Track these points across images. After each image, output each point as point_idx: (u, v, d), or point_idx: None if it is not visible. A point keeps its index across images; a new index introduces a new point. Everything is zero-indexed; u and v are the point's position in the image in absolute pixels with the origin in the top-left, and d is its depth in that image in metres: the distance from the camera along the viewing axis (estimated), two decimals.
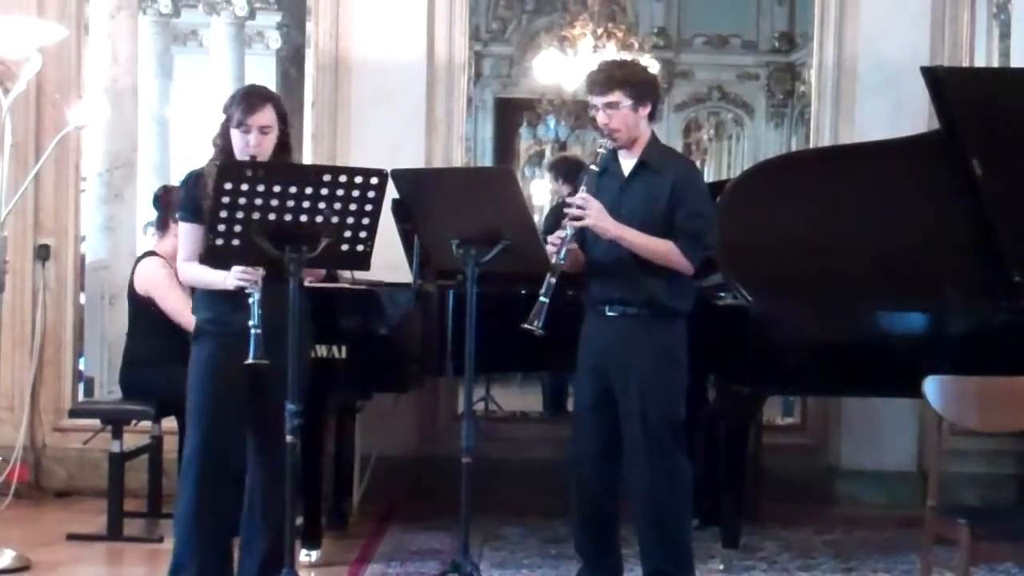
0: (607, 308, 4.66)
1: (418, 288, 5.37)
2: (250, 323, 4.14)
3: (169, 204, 5.84)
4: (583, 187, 4.58)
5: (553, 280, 4.47)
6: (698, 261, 4.61)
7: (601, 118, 4.63)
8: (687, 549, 4.75)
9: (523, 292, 5.22)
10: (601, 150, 4.64)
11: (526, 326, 4.43)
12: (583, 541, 4.86)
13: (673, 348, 4.65)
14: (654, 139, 4.73)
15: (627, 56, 11.63)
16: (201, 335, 4.43)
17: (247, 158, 4.29)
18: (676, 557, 4.70)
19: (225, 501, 4.42)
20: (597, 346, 4.71)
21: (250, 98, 4.38)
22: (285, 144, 4.43)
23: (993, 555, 4.50)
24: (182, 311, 5.53)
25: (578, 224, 4.51)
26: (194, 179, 4.42)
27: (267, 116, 4.34)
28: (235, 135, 4.34)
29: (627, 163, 4.68)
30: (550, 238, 4.56)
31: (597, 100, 4.64)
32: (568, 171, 8.32)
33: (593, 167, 4.62)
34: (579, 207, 4.51)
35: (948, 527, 4.24)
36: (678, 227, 4.55)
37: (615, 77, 4.63)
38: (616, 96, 4.59)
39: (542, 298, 4.46)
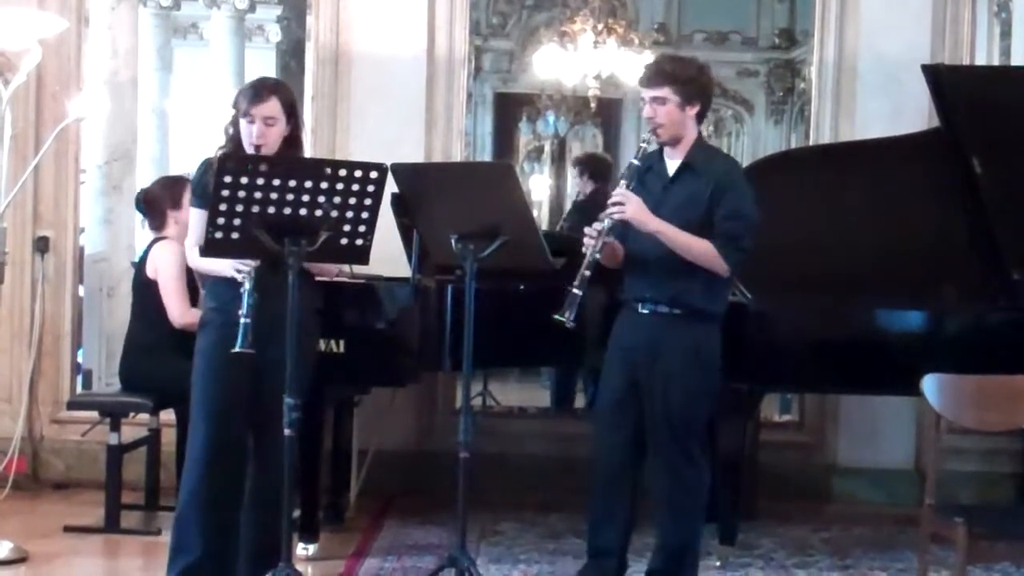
0: (640, 305, 4.65)
1: (417, 283, 5.37)
2: (240, 312, 4.14)
3: (154, 201, 5.87)
4: (623, 180, 4.57)
5: (588, 273, 4.45)
6: (736, 264, 4.57)
7: (647, 111, 4.61)
8: (694, 552, 4.76)
9: (522, 287, 5.23)
10: (644, 144, 4.63)
11: (558, 317, 4.40)
12: (599, 536, 4.83)
13: (703, 350, 4.62)
14: (700, 140, 4.71)
15: (626, 52, 11.66)
16: (206, 324, 4.47)
17: (252, 148, 4.32)
18: (682, 557, 4.72)
19: (230, 490, 4.43)
20: (627, 342, 4.70)
21: (256, 89, 4.42)
22: (295, 138, 4.46)
23: (990, 554, 4.50)
24: (177, 299, 5.55)
25: (616, 217, 4.50)
26: (204, 167, 4.45)
27: (271, 107, 4.35)
28: (243, 125, 4.38)
29: (672, 163, 4.66)
30: (587, 230, 4.52)
31: (645, 93, 4.62)
32: (594, 169, 8.36)
33: (635, 161, 4.61)
34: (618, 202, 4.50)
35: (945, 525, 4.24)
36: (716, 228, 4.52)
37: (664, 72, 4.60)
38: (664, 91, 4.57)
39: (575, 290, 4.43)
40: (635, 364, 4.66)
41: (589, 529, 4.90)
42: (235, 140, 4.42)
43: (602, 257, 4.52)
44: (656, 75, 4.61)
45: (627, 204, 4.49)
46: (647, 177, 4.64)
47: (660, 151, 4.68)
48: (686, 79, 4.61)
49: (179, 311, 5.57)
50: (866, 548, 5.77)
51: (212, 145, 4.54)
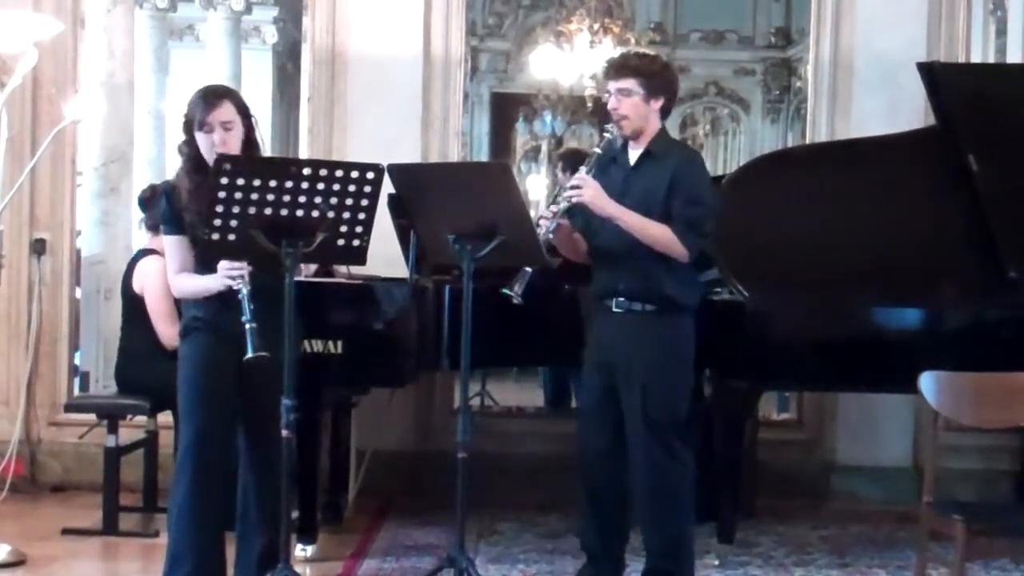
0: (613, 303, 4.66)
1: (414, 283, 5.37)
2: (243, 319, 4.11)
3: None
4: (583, 167, 4.62)
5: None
6: (694, 249, 4.59)
7: (611, 103, 4.66)
8: (687, 546, 4.75)
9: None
10: (607, 135, 4.66)
11: (505, 291, 4.44)
12: (590, 537, 4.85)
13: (678, 344, 4.66)
14: (663, 132, 4.74)
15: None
16: (190, 332, 4.41)
17: (215, 157, 4.25)
18: (675, 554, 4.71)
19: (220, 495, 4.42)
20: (603, 342, 4.72)
21: (207, 97, 4.36)
22: (251, 140, 4.40)
23: (989, 551, 4.51)
24: (165, 321, 5.54)
25: (574, 200, 4.53)
26: (170, 191, 4.39)
27: (227, 111, 4.32)
28: (200, 138, 4.32)
29: (634, 154, 4.71)
30: (542, 211, 4.59)
31: (610, 85, 4.67)
32: (576, 163, 8.34)
33: (596, 149, 4.65)
34: (576, 186, 4.53)
35: (944, 523, 4.25)
36: (675, 213, 4.55)
37: (630, 65, 4.67)
38: (628, 83, 4.62)
39: (526, 268, 4.47)
40: (612, 365, 4.68)
41: (581, 531, 4.91)
42: (192, 158, 4.36)
43: (558, 242, 4.57)
44: (622, 67, 4.67)
45: (585, 188, 4.53)
46: (612, 168, 4.69)
47: (625, 143, 4.72)
48: (651, 72, 4.66)
49: (170, 334, 5.48)
50: (865, 546, 5.77)
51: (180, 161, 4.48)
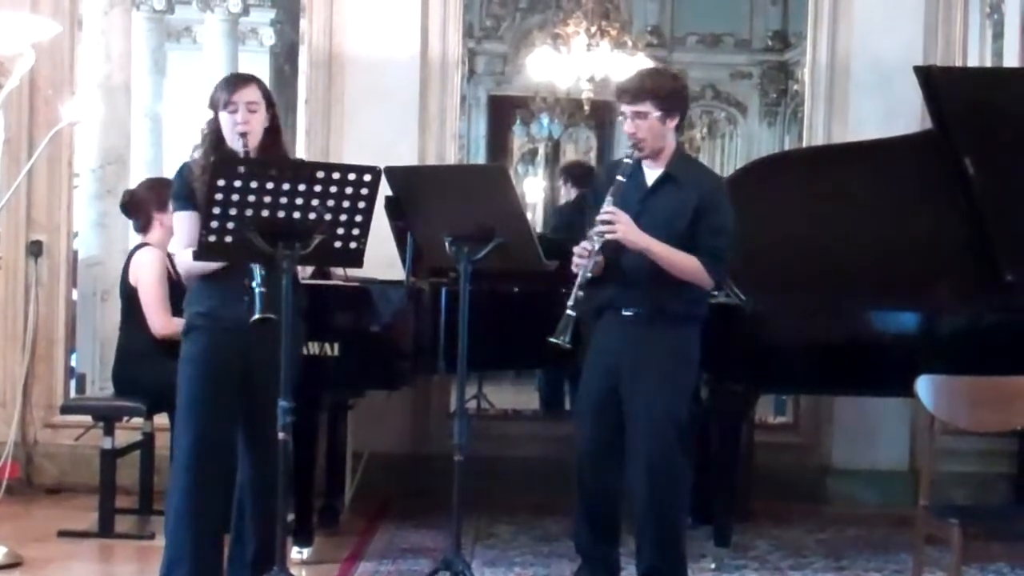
0: (622, 310, 4.66)
1: (411, 285, 5.37)
2: (253, 283, 4.10)
3: (140, 203, 5.86)
4: (610, 198, 4.53)
5: (581, 293, 4.46)
6: (720, 278, 4.63)
7: (628, 127, 4.62)
8: (681, 549, 4.75)
9: (516, 289, 5.23)
10: (628, 160, 4.62)
11: (553, 340, 4.41)
12: (584, 539, 4.85)
13: (684, 349, 4.65)
14: (679, 150, 4.74)
15: (620, 54, 11.67)
16: (192, 330, 4.41)
17: (238, 137, 4.27)
18: (669, 557, 4.70)
19: (218, 497, 4.41)
20: (609, 345, 4.70)
21: (233, 79, 4.44)
22: (276, 128, 4.42)
23: (985, 554, 4.52)
24: (158, 309, 5.54)
25: (608, 237, 4.49)
26: (185, 169, 4.41)
27: (252, 93, 4.34)
28: (224, 119, 4.33)
29: (651, 173, 4.67)
30: (576, 249, 4.52)
31: (626, 108, 4.62)
32: (577, 175, 8.44)
33: (620, 178, 4.58)
34: (607, 220, 4.49)
35: (940, 526, 4.25)
36: (701, 244, 4.54)
37: (645, 87, 4.61)
38: (645, 106, 4.58)
39: (569, 311, 4.44)
40: (617, 367, 4.67)
41: (576, 534, 4.91)
42: (212, 139, 4.37)
43: (596, 272, 4.53)
44: (638, 91, 4.62)
45: (618, 224, 4.49)
46: (625, 187, 4.63)
47: (638, 161, 4.67)
48: (666, 93, 4.63)
49: (160, 323, 5.54)
50: (861, 549, 5.77)
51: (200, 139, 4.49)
